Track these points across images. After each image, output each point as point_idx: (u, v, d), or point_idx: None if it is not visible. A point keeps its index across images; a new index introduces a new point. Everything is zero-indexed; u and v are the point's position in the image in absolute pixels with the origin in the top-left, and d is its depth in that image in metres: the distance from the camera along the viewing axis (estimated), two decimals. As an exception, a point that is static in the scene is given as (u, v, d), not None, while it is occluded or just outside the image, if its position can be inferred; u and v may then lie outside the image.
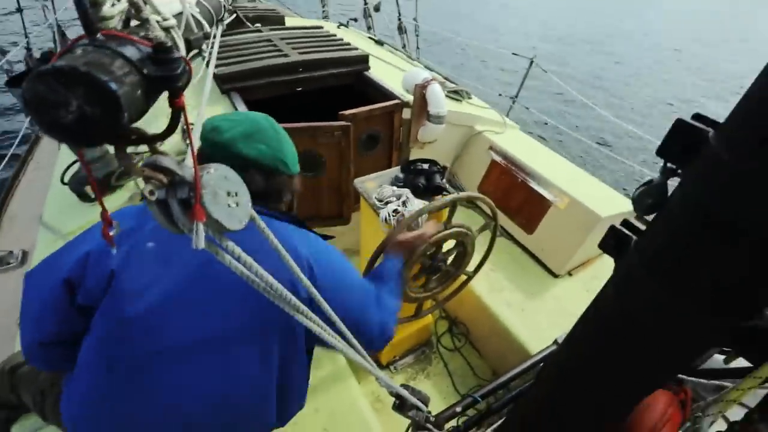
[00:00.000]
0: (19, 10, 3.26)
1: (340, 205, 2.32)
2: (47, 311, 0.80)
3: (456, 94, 2.76)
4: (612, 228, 0.72)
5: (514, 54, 3.90)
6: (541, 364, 1.41)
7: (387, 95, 2.43)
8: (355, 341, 0.81)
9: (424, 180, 1.57)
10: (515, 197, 2.45)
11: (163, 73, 0.46)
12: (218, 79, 2.22)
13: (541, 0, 27.47)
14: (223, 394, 0.81)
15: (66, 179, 1.77)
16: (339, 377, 1.55)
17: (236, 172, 0.75)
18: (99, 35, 0.44)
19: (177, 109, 0.54)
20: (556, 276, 2.22)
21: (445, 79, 2.99)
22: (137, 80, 0.44)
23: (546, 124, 4.04)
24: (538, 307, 2.08)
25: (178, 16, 1.32)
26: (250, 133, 0.88)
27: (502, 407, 1.28)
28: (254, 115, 0.93)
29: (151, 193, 0.51)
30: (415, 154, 2.51)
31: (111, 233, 0.54)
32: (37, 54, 3.37)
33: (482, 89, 4.05)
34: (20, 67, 3.37)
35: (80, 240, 0.84)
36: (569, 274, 2.25)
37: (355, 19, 4.97)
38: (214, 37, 1.75)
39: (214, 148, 0.85)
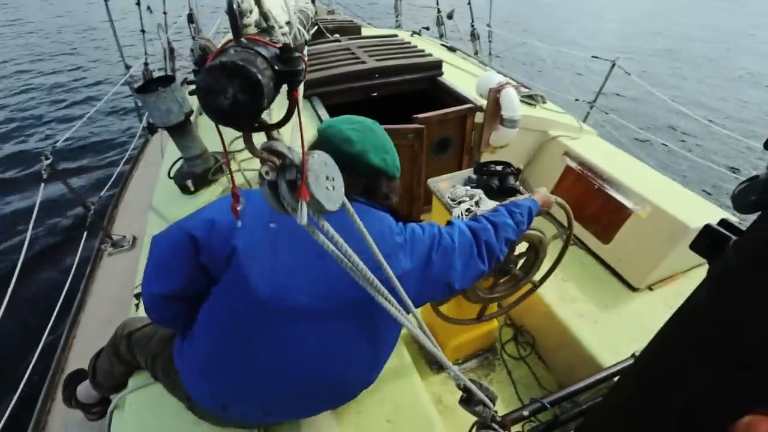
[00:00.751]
0: (143, 32, 3.86)
1: (410, 207, 2.38)
2: (174, 263, 0.89)
3: (530, 99, 2.70)
4: (707, 227, 0.69)
5: (594, 57, 3.72)
6: (617, 378, 1.34)
7: (460, 99, 2.45)
8: (428, 332, 0.87)
9: (497, 181, 1.57)
10: (590, 205, 2.34)
11: (289, 68, 0.54)
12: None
13: (619, 2, 25.76)
14: (330, 361, 0.94)
15: (172, 174, 2.02)
16: (404, 372, 1.59)
17: (365, 179, 0.96)
18: (242, 39, 0.53)
19: (294, 101, 0.62)
20: (634, 289, 2.08)
21: (519, 83, 2.95)
22: (271, 75, 0.53)
23: (626, 129, 3.78)
24: (612, 320, 1.96)
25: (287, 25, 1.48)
26: (378, 145, 0.98)
27: (571, 419, 1.24)
28: (372, 125, 1.02)
29: (267, 173, 0.60)
30: (485, 159, 2.50)
31: (238, 208, 0.64)
32: (153, 68, 3.94)
33: (558, 94, 3.90)
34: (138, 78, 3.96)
35: (205, 210, 0.94)
36: (650, 288, 2.10)
37: (427, 28, 5.05)
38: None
39: (347, 158, 0.93)
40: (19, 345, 2.69)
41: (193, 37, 4.12)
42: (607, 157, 2.40)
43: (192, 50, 4.07)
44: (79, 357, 2.03)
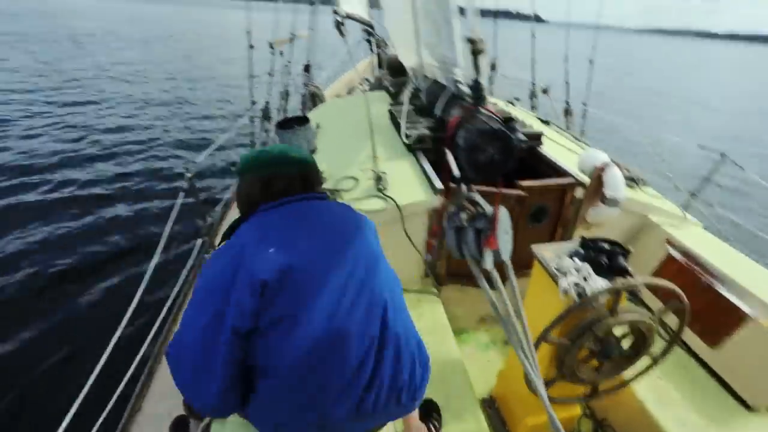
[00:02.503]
0: (270, 75, 4.45)
1: (500, 268, 2.37)
2: (228, 354, 0.86)
3: (631, 181, 2.66)
4: None
5: (701, 146, 3.60)
6: None
7: (560, 172, 2.48)
8: None
9: (606, 259, 1.55)
10: (695, 301, 2.16)
11: (510, 134, 0.64)
12: (407, 138, 2.57)
13: (723, 91, 24.75)
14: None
15: None
16: None
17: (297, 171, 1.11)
18: (480, 108, 0.64)
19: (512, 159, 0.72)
20: (750, 408, 1.84)
21: (618, 164, 2.91)
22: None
23: (735, 225, 3.51)
24: None
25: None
26: (284, 148, 1.14)
27: None
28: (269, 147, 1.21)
29: (466, 219, 0.68)
30: (578, 234, 2.46)
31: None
32: (273, 107, 4.51)
33: (657, 180, 3.78)
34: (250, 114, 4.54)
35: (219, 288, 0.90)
36: None
37: (518, 98, 5.23)
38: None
39: (275, 164, 1.10)
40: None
41: (306, 84, 4.64)
42: (716, 252, 2.25)
43: (303, 94, 4.62)
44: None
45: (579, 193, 2.40)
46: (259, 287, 0.85)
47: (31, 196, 5.72)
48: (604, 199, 2.29)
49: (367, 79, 5.74)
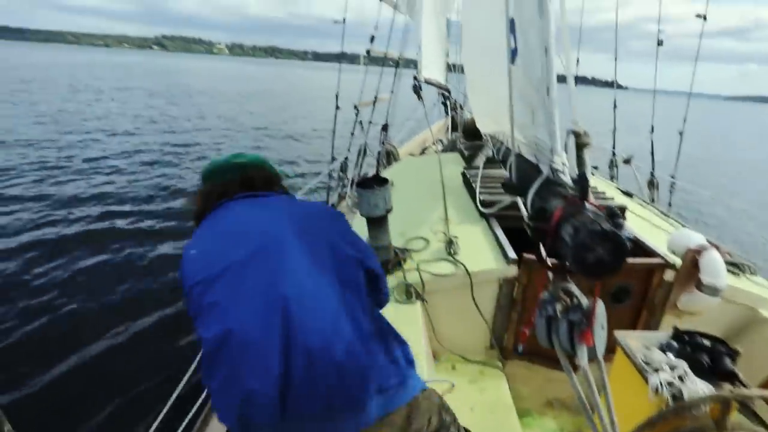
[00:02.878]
0: (352, 134, 4.80)
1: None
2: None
3: (734, 267, 2.38)
4: None
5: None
6: None
7: (646, 251, 2.30)
8: None
9: (707, 359, 1.37)
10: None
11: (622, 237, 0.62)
12: (481, 204, 2.57)
13: None
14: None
15: None
16: None
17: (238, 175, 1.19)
18: (587, 203, 0.64)
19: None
20: None
21: (716, 246, 2.64)
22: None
23: None
24: None
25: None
26: (233, 155, 1.27)
27: None
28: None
29: (560, 311, 0.66)
30: (667, 322, 2.22)
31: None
32: (351, 163, 4.82)
33: (765, 267, 3.35)
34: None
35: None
36: None
37: (596, 167, 5.04)
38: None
39: (217, 171, 1.22)
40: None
41: (382, 143, 4.91)
42: None
43: (379, 152, 4.88)
44: None
45: (669, 275, 2.19)
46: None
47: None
48: (700, 286, 2.06)
49: (440, 140, 5.93)
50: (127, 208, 7.05)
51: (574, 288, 0.65)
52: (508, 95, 1.05)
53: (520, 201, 1.10)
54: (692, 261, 2.10)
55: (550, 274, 0.73)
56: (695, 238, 2.18)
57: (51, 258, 5.02)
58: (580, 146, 0.85)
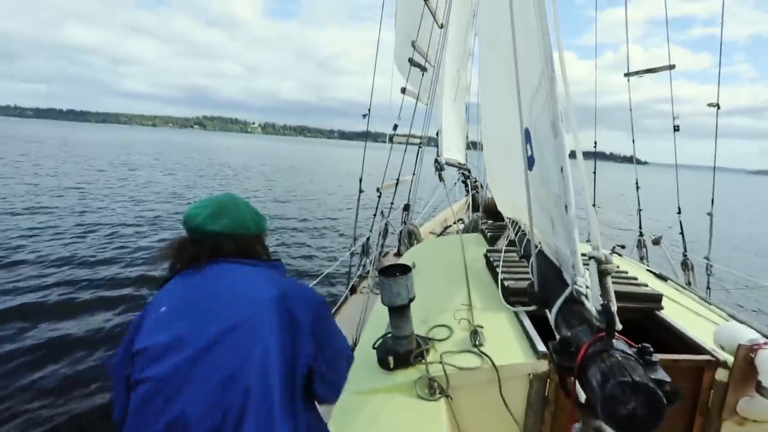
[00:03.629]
0: (374, 215, 4.91)
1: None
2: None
3: (794, 366, 2.14)
4: None
5: None
6: None
7: (691, 346, 2.12)
8: None
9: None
10: None
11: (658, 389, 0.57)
12: (506, 291, 2.48)
13: None
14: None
15: (375, 345, 2.19)
16: None
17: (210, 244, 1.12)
18: (614, 341, 0.59)
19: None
20: None
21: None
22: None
23: None
24: None
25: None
26: (214, 213, 1.15)
27: None
28: (217, 196, 1.22)
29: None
30: (729, 430, 1.96)
31: None
32: (371, 245, 4.87)
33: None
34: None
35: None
36: None
37: (622, 246, 4.89)
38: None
39: (192, 232, 1.15)
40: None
41: (404, 222, 4.97)
42: None
43: (401, 231, 4.92)
44: None
45: (721, 374, 1.99)
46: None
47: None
48: (760, 389, 1.84)
49: (461, 219, 5.97)
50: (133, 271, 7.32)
51: (607, 429, 0.58)
52: (527, 199, 1.04)
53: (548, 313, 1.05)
54: (746, 359, 1.90)
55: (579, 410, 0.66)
56: (746, 333, 2.00)
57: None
58: (603, 273, 0.81)
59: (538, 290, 1.07)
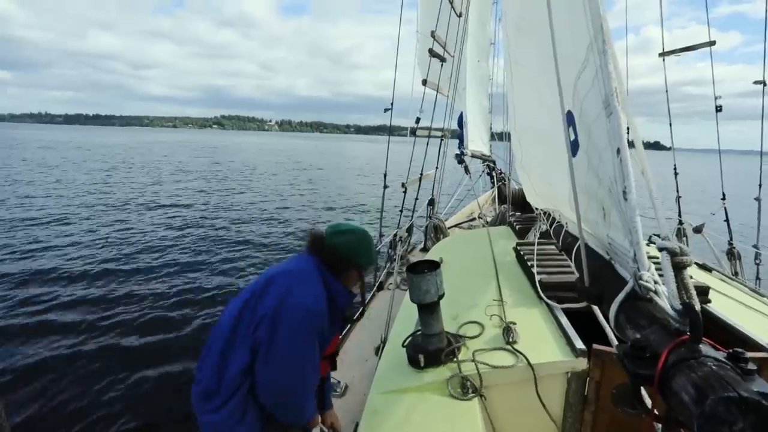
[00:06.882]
0: (400, 210, 4.83)
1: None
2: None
3: None
4: None
5: None
6: None
7: (742, 341, 1.97)
8: None
9: None
10: None
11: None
12: (540, 286, 2.38)
13: None
14: None
15: (405, 343, 2.14)
16: None
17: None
18: (700, 347, 0.51)
19: None
20: None
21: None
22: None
23: None
24: None
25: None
26: (339, 230, 1.78)
27: None
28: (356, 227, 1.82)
29: None
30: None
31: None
32: (398, 242, 4.82)
33: None
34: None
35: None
36: None
37: (658, 235, 4.65)
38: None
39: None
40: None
41: (429, 217, 4.89)
42: None
43: (426, 226, 4.84)
44: None
45: None
46: None
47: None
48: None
49: (487, 213, 5.83)
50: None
51: None
52: (571, 188, 0.96)
53: (596, 310, 0.96)
54: (811, 358, 1.75)
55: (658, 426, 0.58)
56: (808, 328, 1.84)
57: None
58: (679, 266, 0.72)
59: (590, 285, 0.98)
